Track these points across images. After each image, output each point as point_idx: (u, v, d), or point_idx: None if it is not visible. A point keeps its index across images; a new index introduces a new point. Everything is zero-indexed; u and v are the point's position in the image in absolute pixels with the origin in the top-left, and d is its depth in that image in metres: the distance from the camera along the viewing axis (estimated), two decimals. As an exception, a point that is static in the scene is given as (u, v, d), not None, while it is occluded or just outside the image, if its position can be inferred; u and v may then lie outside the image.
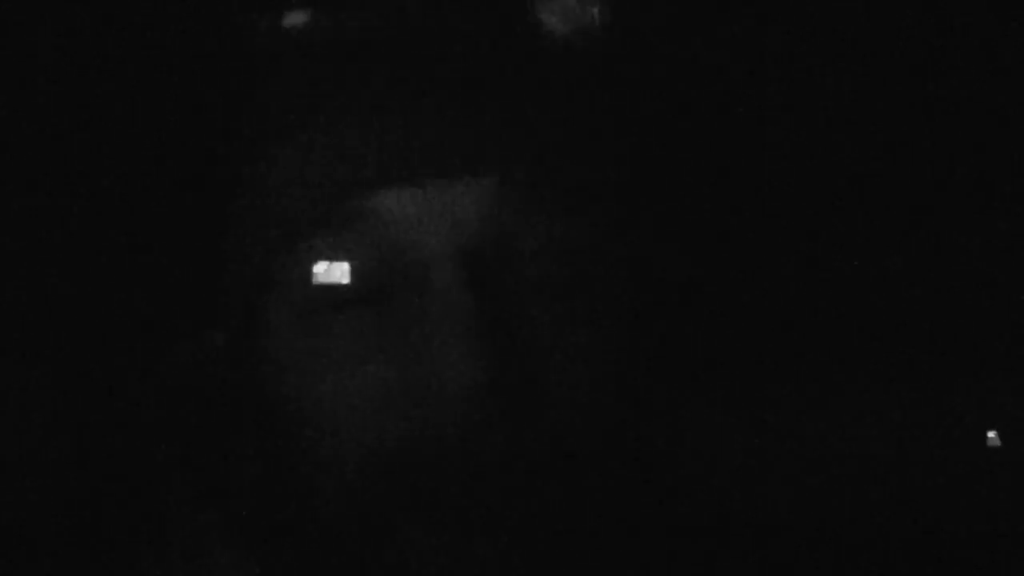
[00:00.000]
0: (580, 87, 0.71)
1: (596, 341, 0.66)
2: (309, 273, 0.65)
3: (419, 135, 0.65)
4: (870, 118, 0.93)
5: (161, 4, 0.76)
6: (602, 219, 0.68)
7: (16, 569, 0.72)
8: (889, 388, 0.93)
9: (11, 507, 0.73)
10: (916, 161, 0.94)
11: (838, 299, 0.95)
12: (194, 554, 0.70)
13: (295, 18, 0.70)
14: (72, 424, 0.75)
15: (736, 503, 0.89)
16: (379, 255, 0.66)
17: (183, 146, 0.76)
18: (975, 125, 0.93)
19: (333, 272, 0.65)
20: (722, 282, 0.89)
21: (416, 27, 0.69)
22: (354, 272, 0.65)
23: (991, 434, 0.92)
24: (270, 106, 0.71)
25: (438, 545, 0.64)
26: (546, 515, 0.65)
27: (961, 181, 0.94)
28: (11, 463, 0.74)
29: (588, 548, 0.67)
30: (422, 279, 0.65)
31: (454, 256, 0.65)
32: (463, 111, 0.66)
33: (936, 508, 0.91)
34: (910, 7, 0.92)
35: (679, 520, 0.78)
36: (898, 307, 0.95)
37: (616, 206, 0.70)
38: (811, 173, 0.93)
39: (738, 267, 0.90)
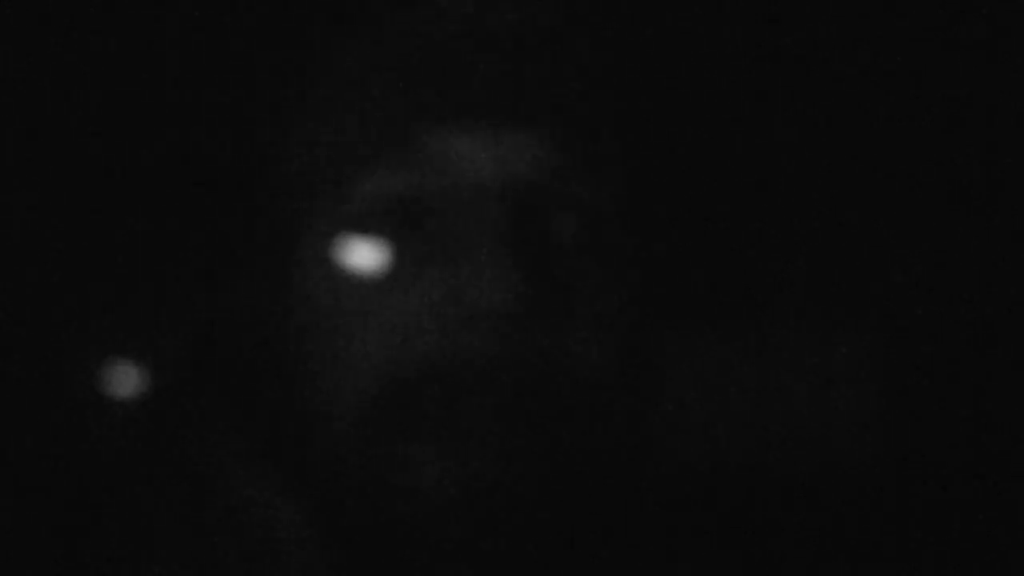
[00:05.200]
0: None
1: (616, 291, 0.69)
2: (348, 206, 0.68)
3: (471, 81, 0.68)
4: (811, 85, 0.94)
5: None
6: (628, 182, 0.71)
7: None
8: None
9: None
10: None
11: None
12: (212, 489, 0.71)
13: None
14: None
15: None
16: (423, 188, 0.68)
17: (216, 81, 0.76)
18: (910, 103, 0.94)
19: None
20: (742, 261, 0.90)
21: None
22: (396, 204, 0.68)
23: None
24: (320, 44, 0.72)
25: (450, 470, 0.65)
26: (561, 442, 0.67)
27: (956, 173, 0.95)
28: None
29: (600, 479, 0.69)
30: (461, 213, 0.67)
31: (497, 192, 0.67)
32: (520, 62, 0.69)
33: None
34: (911, 7, 0.93)
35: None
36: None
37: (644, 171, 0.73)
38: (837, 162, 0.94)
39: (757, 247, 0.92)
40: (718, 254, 0.90)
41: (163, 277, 0.77)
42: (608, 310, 0.67)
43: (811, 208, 0.95)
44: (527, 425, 0.65)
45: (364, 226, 0.67)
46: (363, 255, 0.67)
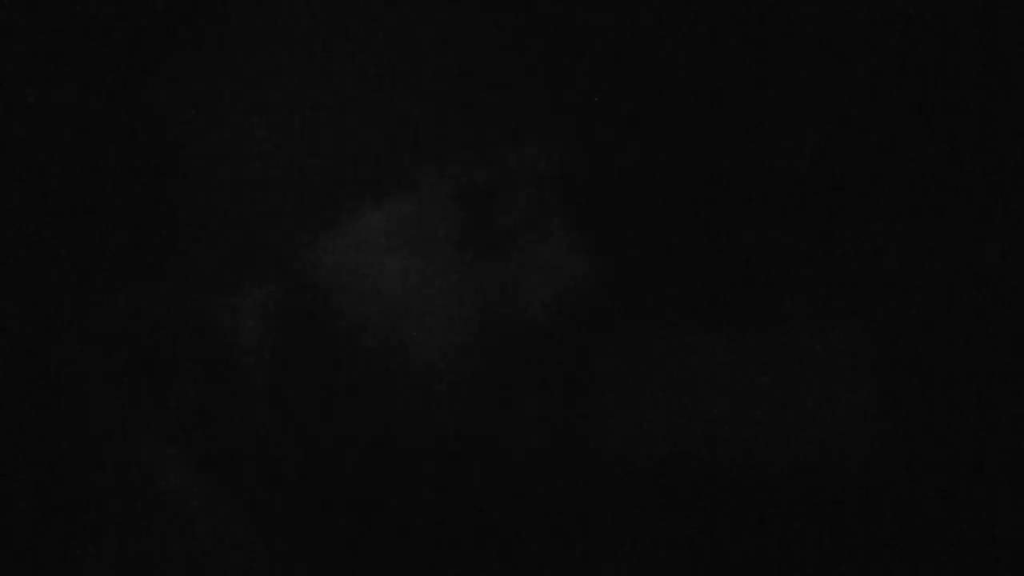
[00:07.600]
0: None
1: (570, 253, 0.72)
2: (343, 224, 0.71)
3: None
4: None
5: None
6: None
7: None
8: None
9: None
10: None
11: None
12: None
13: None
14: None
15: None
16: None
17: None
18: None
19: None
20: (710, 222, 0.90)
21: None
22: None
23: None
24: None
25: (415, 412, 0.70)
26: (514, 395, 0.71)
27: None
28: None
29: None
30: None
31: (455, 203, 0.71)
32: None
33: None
34: (911, 7, 0.94)
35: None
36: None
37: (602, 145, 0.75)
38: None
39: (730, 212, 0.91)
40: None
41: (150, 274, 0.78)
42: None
43: (806, 207, 0.95)
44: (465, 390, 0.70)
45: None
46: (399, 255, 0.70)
